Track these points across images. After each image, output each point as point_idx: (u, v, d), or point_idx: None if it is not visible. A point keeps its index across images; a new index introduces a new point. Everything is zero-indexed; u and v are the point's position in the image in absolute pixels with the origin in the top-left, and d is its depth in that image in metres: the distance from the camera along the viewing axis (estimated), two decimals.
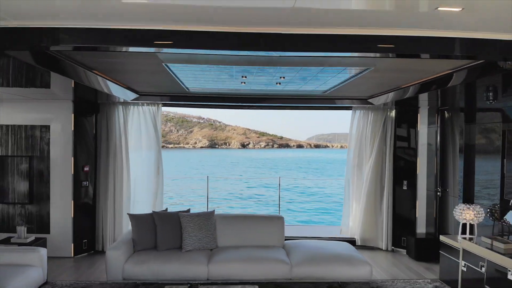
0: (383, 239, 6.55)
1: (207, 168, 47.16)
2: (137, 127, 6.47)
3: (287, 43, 3.05)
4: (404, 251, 6.39)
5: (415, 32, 2.98)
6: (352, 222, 6.90)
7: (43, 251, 4.32)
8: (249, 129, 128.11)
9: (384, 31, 2.98)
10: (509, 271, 3.51)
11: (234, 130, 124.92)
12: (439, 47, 3.13)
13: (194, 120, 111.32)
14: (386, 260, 6.04)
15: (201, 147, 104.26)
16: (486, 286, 3.85)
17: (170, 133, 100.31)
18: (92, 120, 6.18)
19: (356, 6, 2.63)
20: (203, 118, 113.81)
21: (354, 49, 3.18)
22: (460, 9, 2.49)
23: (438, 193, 6.04)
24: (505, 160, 4.43)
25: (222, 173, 42.71)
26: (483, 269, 3.91)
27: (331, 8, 2.58)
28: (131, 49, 3.29)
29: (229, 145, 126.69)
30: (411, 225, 6.44)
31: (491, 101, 4.62)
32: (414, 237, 6.13)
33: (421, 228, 6.37)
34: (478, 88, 4.91)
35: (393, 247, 6.55)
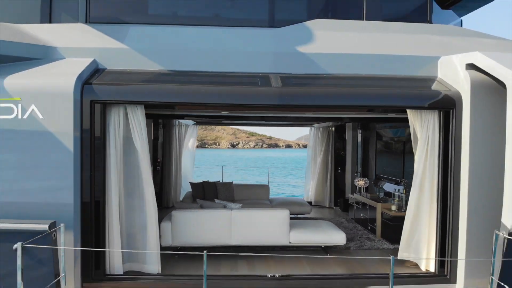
0: (327, 201, 11.31)
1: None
2: (188, 136, 11.14)
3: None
4: (338, 208, 11.12)
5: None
6: (310, 192, 11.68)
7: None
8: (238, 129, 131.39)
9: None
10: (368, 205, 8.28)
11: (224, 130, 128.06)
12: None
13: None
14: (328, 212, 10.76)
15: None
16: (362, 214, 8.63)
17: None
18: (162, 132, 10.71)
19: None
20: None
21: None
22: None
23: (355, 173, 10.82)
24: (376, 154, 9.26)
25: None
26: (360, 206, 8.71)
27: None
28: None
29: (218, 145, 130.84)
30: (342, 192, 11.19)
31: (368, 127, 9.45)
32: (343, 198, 10.87)
33: (347, 193, 11.12)
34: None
35: (332, 206, 11.30)
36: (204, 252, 3.83)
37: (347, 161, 11.15)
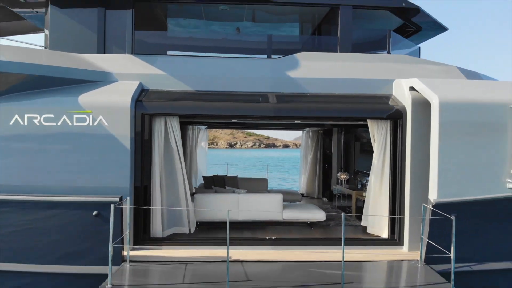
0: (316, 192, 13.32)
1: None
2: (200, 138, 13.11)
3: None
4: (326, 199, 13.12)
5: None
6: (302, 185, 13.70)
7: None
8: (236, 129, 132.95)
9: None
10: (347, 194, 10.29)
11: (222, 130, 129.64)
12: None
13: None
14: (316, 202, 12.73)
15: None
16: (343, 201, 10.63)
17: None
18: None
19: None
20: None
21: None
22: None
23: (339, 169, 12.82)
24: (354, 153, 11.28)
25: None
26: (341, 195, 10.72)
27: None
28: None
29: (216, 145, 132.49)
30: (328, 185, 13.19)
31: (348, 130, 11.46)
32: (329, 190, 12.87)
33: (333, 185, 13.11)
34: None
35: (320, 196, 13.30)
36: (227, 220, 5.77)
37: (333, 159, 13.14)
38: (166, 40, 9.17)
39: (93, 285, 5.82)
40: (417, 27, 9.23)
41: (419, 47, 9.61)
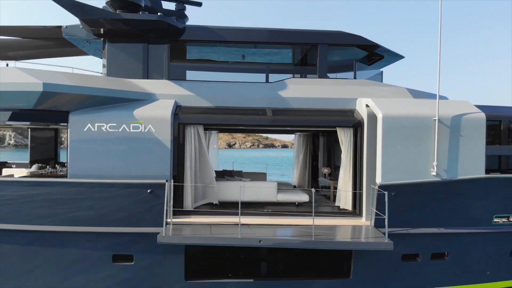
0: (306, 184, 16.28)
1: None
2: (212, 140, 16.07)
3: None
4: (313, 189, 16.05)
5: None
6: (294, 179, 16.68)
7: None
8: None
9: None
10: (328, 184, 13.28)
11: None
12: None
13: None
14: (308, 192, 15.70)
15: None
16: (326, 189, 13.60)
17: None
18: None
19: None
20: None
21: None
22: None
23: (324, 165, 15.76)
24: (335, 152, 14.27)
25: None
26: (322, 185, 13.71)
27: None
28: None
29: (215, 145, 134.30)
30: (316, 179, 16.14)
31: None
32: (316, 182, 15.82)
33: (319, 178, 16.06)
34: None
35: (309, 188, 16.25)
36: (239, 196, 8.71)
37: (319, 157, 16.10)
38: (187, 64, 12.13)
39: (146, 240, 8.81)
40: (380, 56, 12.21)
41: (382, 71, 12.57)
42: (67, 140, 9.75)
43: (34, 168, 12.90)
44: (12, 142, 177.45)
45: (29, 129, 15.57)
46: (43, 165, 14.07)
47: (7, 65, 14.47)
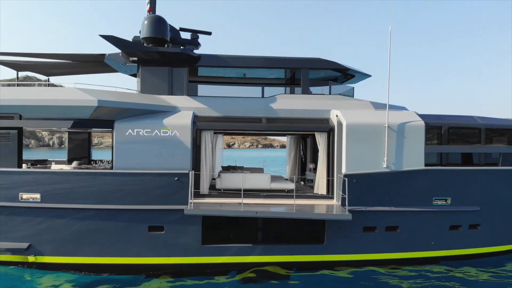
0: (295, 177, 19.64)
1: None
2: (219, 141, 19.45)
3: None
4: (302, 182, 19.43)
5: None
6: (287, 172, 20.08)
7: None
8: None
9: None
10: (313, 177, 16.68)
11: None
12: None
13: None
14: (297, 184, 19.07)
15: None
16: (311, 182, 16.99)
17: None
18: None
19: None
20: None
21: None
22: None
23: (311, 161, 19.10)
24: (319, 152, 17.69)
25: None
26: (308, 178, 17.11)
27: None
28: None
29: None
30: (304, 174, 19.49)
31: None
32: (304, 175, 19.17)
33: (306, 172, 19.39)
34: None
35: (298, 181, 19.62)
36: (242, 189, 12.07)
37: (307, 155, 19.44)
38: (199, 80, 15.55)
39: (173, 215, 12.22)
40: (351, 75, 15.60)
41: (353, 87, 15.95)
42: (112, 141, 13.11)
43: (74, 164, 16.18)
44: None
45: (67, 133, 18.96)
46: (81, 162, 17.43)
47: (48, 80, 18.02)
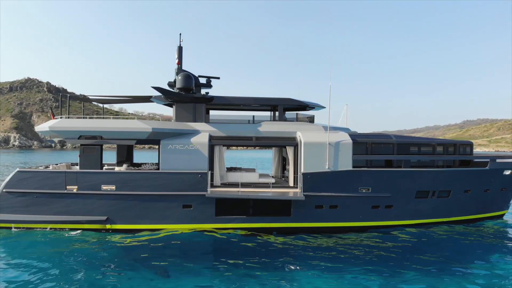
0: (278, 175, 27.65)
1: None
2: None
3: None
4: (283, 178, 27.39)
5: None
6: (272, 171, 28.13)
7: None
8: None
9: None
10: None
11: None
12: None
13: None
14: (279, 180, 27.04)
15: None
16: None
17: None
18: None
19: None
20: None
21: None
22: None
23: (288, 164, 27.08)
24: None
25: None
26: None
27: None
28: None
29: None
30: (283, 172, 27.47)
31: None
32: (284, 174, 27.13)
33: (285, 171, 27.35)
34: None
35: (280, 177, 27.60)
36: (240, 183, 20.10)
37: (286, 159, 27.37)
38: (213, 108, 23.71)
39: (198, 198, 20.32)
40: (311, 107, 23.70)
41: (314, 115, 23.95)
42: (158, 152, 21.11)
43: (125, 166, 24.04)
44: (16, 143, 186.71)
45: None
46: (128, 164, 25.37)
47: (103, 107, 26.25)
